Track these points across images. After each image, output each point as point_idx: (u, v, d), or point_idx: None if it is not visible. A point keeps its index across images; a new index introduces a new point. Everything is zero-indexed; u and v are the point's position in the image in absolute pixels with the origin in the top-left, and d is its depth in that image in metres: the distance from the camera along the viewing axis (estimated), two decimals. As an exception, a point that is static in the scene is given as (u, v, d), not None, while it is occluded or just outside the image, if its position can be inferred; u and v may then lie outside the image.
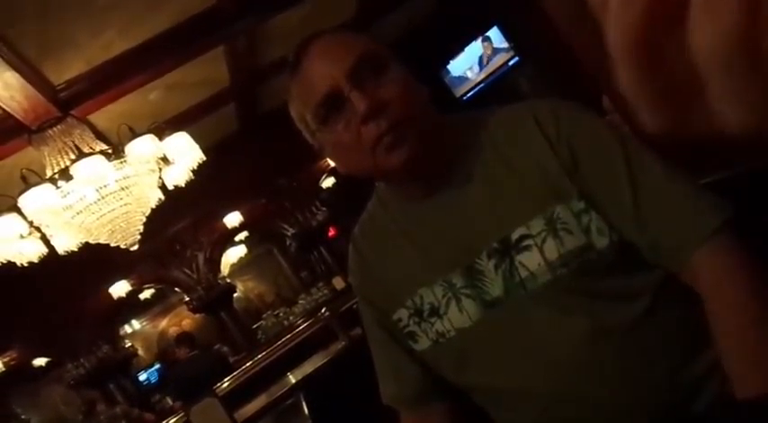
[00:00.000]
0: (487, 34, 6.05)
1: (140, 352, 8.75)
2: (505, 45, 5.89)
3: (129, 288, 6.65)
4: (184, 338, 5.55)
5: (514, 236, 0.89)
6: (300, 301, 6.71)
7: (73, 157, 3.40)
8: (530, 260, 0.88)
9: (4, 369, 6.13)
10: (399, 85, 0.89)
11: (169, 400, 5.95)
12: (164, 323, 9.39)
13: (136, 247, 3.77)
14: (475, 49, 6.16)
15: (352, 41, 0.92)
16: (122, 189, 3.41)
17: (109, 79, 3.93)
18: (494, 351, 0.94)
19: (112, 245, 3.65)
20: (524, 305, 0.89)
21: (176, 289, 7.14)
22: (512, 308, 0.90)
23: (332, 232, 7.31)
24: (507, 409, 0.99)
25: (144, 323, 9.43)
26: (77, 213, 3.33)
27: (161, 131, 3.66)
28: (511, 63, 5.94)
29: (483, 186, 0.92)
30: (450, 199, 0.94)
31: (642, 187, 0.85)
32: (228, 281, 7.12)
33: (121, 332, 8.64)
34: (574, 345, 0.88)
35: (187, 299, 6.85)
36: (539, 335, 0.89)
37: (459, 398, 1.04)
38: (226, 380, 4.79)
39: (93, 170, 3.20)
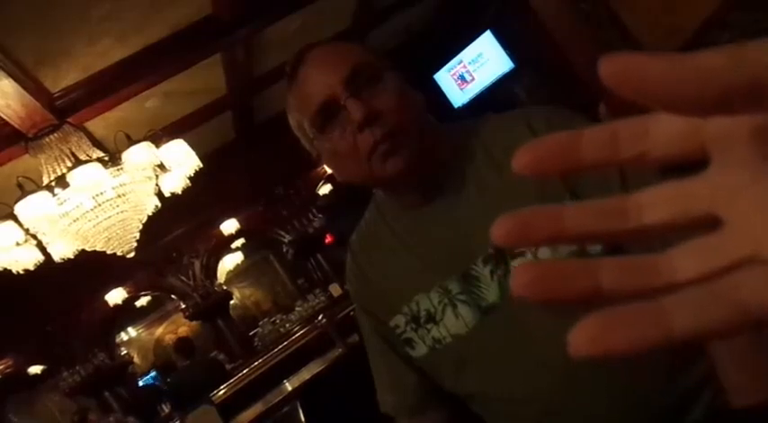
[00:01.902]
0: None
1: (136, 359, 8.72)
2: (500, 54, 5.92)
3: (126, 295, 6.62)
4: (183, 345, 5.51)
5: None
6: (297, 309, 6.69)
7: (69, 164, 3.40)
8: None
9: (-1, 377, 6.11)
10: (395, 94, 0.90)
11: (165, 408, 5.92)
12: (160, 330, 9.36)
13: (132, 255, 3.76)
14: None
15: (348, 51, 0.93)
16: (119, 196, 3.41)
17: (106, 87, 3.93)
18: (490, 357, 0.94)
19: (109, 252, 3.65)
20: (520, 311, 0.89)
21: (172, 296, 7.12)
22: (507, 314, 0.90)
23: (329, 239, 7.31)
24: (505, 417, 0.99)
25: (140, 330, 9.39)
26: (74, 221, 3.32)
27: (158, 139, 3.66)
28: (506, 71, 5.97)
29: (478, 193, 0.93)
30: (446, 206, 0.95)
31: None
32: (225, 288, 7.10)
33: (117, 340, 8.61)
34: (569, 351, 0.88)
35: (183, 306, 6.83)
36: (534, 341, 0.89)
37: (456, 406, 1.04)
38: (222, 387, 4.77)
39: (89, 177, 3.21)
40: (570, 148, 0.24)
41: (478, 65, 6.14)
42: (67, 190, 3.28)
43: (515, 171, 0.24)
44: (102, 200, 3.34)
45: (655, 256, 0.23)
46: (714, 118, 0.21)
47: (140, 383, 7.85)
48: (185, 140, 3.82)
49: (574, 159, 0.24)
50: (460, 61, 6.21)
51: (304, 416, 2.88)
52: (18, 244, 3.42)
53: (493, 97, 6.02)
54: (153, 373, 8.36)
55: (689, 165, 0.24)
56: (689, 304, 0.21)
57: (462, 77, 6.26)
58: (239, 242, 7.44)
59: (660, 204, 0.23)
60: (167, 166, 3.73)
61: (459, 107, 6.28)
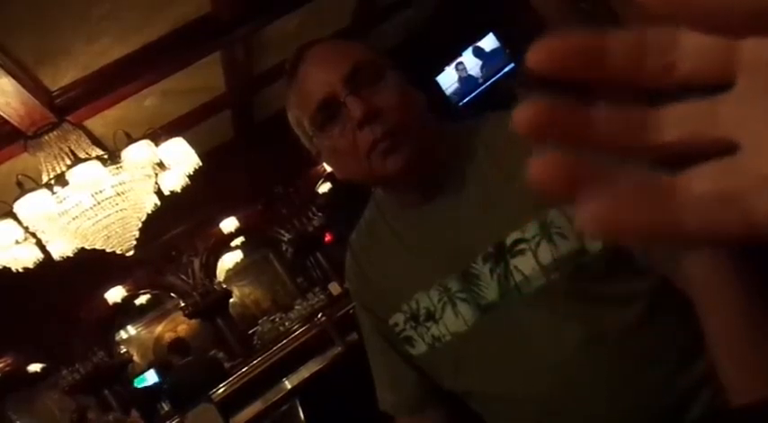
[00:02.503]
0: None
1: (136, 358, 8.72)
2: (498, 53, 5.92)
3: (125, 294, 6.62)
4: (178, 346, 5.54)
5: (509, 240, 0.89)
6: (296, 307, 6.70)
7: (69, 162, 3.40)
8: (524, 264, 0.88)
9: (-1, 375, 6.11)
10: (395, 92, 0.90)
11: (164, 406, 5.92)
12: (159, 329, 9.35)
13: (131, 253, 3.76)
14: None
15: (348, 49, 0.93)
16: (118, 194, 3.40)
17: (105, 85, 3.93)
18: (489, 356, 0.94)
19: (108, 250, 3.64)
20: (519, 309, 0.89)
21: (172, 294, 7.12)
22: (507, 312, 0.90)
23: (328, 238, 7.31)
24: (503, 415, 0.99)
25: (139, 329, 9.39)
26: (73, 219, 3.32)
27: (157, 137, 3.66)
28: (507, 70, 5.96)
29: (478, 191, 0.93)
30: (446, 204, 0.94)
31: None
32: (224, 286, 7.10)
33: (117, 338, 8.61)
34: (568, 349, 0.88)
35: (183, 304, 6.83)
36: (534, 339, 0.89)
37: (456, 405, 1.04)
38: (221, 385, 4.77)
39: (89, 176, 3.20)
40: (593, 50, 0.22)
41: (479, 64, 6.13)
42: (67, 188, 3.28)
43: (529, 65, 0.22)
44: (101, 198, 3.34)
45: (670, 177, 0.22)
46: (748, 39, 0.20)
47: (135, 384, 7.80)
48: (184, 139, 3.82)
49: (595, 62, 0.22)
50: (461, 60, 6.21)
51: (303, 414, 2.88)
52: (17, 242, 3.41)
53: (494, 96, 6.02)
54: (150, 372, 8.33)
55: (710, 88, 0.23)
56: (699, 203, 0.20)
57: (463, 77, 6.25)
58: (239, 241, 7.44)
59: (680, 122, 0.22)
60: (167, 165, 3.73)
61: (459, 106, 6.27)
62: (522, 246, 0.88)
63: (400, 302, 0.99)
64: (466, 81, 6.23)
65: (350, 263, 1.09)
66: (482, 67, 6.11)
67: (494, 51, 5.99)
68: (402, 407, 1.06)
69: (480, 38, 6.00)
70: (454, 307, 0.94)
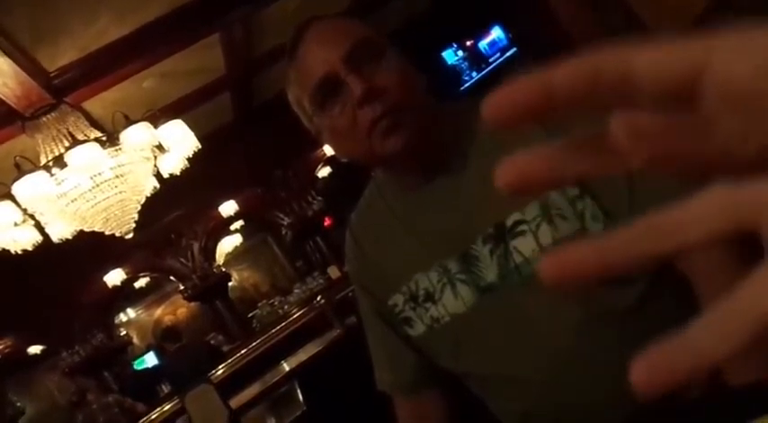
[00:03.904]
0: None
1: (135, 340, 8.76)
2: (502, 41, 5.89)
3: (124, 277, 6.64)
4: (169, 333, 5.62)
5: (509, 221, 0.89)
6: (296, 290, 6.71)
7: (67, 144, 3.39)
8: (524, 245, 0.88)
9: (-2, 357, 6.14)
10: (396, 72, 0.89)
11: (164, 388, 5.96)
12: (159, 312, 9.39)
13: (131, 236, 3.76)
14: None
15: (349, 27, 0.92)
16: (117, 177, 3.40)
17: (103, 66, 3.90)
18: (488, 337, 0.94)
19: (107, 233, 3.64)
20: (519, 291, 0.89)
21: (171, 278, 7.14)
22: (506, 293, 0.90)
23: (327, 222, 7.31)
24: (502, 397, 1.00)
25: (139, 312, 9.42)
26: (72, 201, 3.32)
27: (156, 119, 3.64)
28: (509, 54, 5.93)
29: (478, 173, 0.92)
30: (447, 185, 0.94)
31: (637, 173, 0.85)
32: (223, 270, 7.12)
33: (116, 320, 8.64)
34: (568, 331, 0.88)
35: (182, 288, 6.85)
36: (533, 321, 0.89)
37: (454, 385, 1.04)
38: (221, 367, 4.80)
39: (87, 157, 3.19)
40: (542, 92, 0.22)
41: (481, 48, 6.10)
42: (65, 170, 3.27)
43: (486, 118, 0.23)
44: (100, 180, 3.33)
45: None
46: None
47: (135, 366, 7.85)
48: (184, 121, 3.80)
49: (549, 102, 0.22)
50: (463, 44, 6.17)
51: (302, 396, 2.90)
52: (16, 224, 3.41)
53: (496, 81, 5.98)
54: (149, 354, 8.37)
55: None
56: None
57: (465, 61, 6.22)
58: (238, 224, 7.45)
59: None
60: (166, 147, 3.71)
61: (461, 91, 6.24)
62: (523, 227, 0.88)
63: (400, 283, 0.99)
64: (468, 65, 6.18)
65: (350, 244, 1.09)
66: (485, 52, 6.08)
67: (496, 35, 5.96)
68: (400, 387, 1.07)
69: (483, 22, 5.96)
70: (453, 288, 0.93)
